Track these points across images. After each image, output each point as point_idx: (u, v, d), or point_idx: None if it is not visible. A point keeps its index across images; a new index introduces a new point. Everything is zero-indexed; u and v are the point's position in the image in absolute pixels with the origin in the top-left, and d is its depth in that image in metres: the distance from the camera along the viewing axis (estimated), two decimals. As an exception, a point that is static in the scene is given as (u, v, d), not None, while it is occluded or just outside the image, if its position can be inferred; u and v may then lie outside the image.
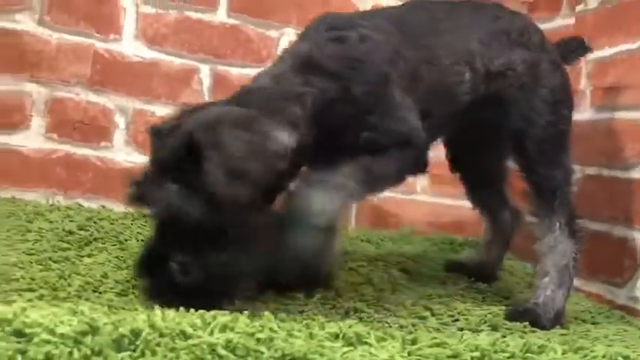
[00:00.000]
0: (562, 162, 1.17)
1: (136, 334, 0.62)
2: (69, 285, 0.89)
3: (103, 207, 1.56)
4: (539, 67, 1.17)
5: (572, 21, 1.61)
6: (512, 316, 1.08)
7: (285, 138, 0.87)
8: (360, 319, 0.93)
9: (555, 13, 1.68)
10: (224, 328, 0.68)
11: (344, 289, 1.11)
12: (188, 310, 0.74)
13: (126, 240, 1.26)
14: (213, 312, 0.73)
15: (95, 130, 1.60)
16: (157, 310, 0.71)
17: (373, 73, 1.00)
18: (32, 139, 1.55)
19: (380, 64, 1.00)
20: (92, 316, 0.64)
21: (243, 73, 1.68)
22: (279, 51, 1.58)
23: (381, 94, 1.00)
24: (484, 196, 1.36)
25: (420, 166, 1.05)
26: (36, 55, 1.55)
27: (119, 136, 1.62)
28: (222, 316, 0.70)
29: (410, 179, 1.10)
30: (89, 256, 1.11)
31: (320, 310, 0.97)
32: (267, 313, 0.76)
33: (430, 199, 1.83)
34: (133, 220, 1.47)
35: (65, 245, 1.14)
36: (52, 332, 0.60)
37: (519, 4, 1.75)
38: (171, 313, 0.71)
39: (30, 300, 0.82)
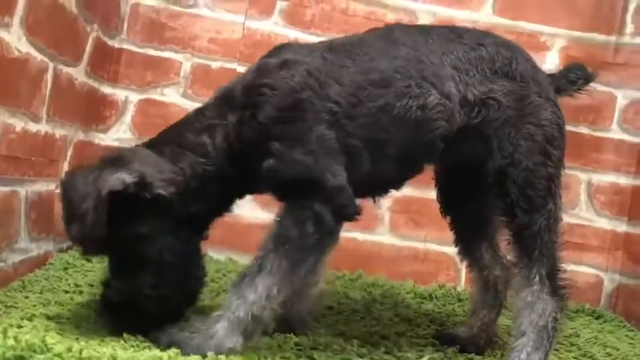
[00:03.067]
0: (546, 208, 1.05)
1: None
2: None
3: (230, 259, 1.72)
4: (526, 100, 1.07)
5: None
6: None
7: (122, 176, 0.91)
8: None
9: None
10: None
11: (452, 353, 1.15)
12: None
13: (251, 292, 1.39)
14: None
15: (226, 189, 1.77)
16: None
17: (283, 98, 0.97)
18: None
19: (295, 89, 0.97)
20: (230, 365, 0.75)
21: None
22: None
23: (291, 120, 0.97)
24: (475, 248, 1.23)
25: (342, 217, 0.97)
26: (179, 123, 1.77)
27: (246, 195, 1.78)
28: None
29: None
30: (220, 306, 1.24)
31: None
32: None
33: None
34: (256, 274, 1.60)
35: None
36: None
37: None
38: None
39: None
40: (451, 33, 1.12)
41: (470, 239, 1.24)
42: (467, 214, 1.23)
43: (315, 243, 0.95)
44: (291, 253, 0.93)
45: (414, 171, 1.12)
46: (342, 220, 0.98)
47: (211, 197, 1.01)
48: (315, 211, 0.94)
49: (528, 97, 1.08)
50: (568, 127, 1.78)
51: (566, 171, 1.80)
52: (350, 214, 0.98)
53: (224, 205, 1.06)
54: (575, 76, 1.19)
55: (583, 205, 1.84)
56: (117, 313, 0.97)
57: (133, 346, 0.86)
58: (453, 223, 1.25)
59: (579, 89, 1.20)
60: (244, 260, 1.72)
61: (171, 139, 1.02)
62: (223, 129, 1.00)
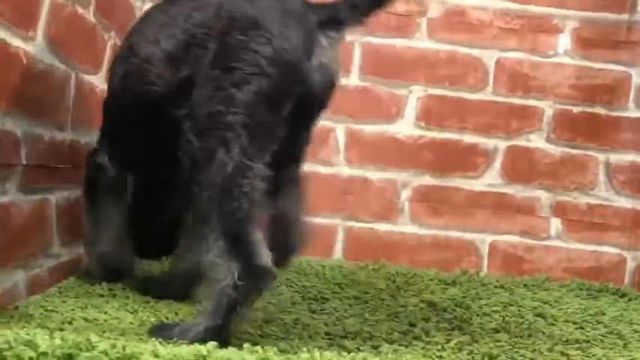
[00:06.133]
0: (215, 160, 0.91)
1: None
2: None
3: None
4: (225, 40, 0.93)
5: None
6: None
7: None
8: (496, 366, 0.99)
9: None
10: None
11: (479, 335, 1.17)
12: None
13: (277, 286, 1.42)
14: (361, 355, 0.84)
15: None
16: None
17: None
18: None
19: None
20: (267, 354, 0.78)
21: (375, 129, 1.81)
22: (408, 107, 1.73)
23: None
24: None
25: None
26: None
27: (267, 192, 1.81)
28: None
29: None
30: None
31: (457, 355, 1.04)
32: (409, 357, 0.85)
33: (565, 244, 1.83)
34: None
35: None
36: (237, 367, 0.74)
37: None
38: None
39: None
40: None
41: None
42: None
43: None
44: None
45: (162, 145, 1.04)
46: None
47: None
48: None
49: (228, 35, 0.93)
50: (583, 108, 1.83)
51: (583, 152, 1.83)
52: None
53: None
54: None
55: (602, 186, 1.84)
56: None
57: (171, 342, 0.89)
58: None
59: (366, 14, 0.98)
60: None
61: None
62: None
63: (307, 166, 1.83)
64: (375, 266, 1.70)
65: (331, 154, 1.82)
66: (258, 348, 0.82)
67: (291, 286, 1.43)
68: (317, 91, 0.98)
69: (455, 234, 1.82)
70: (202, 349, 0.78)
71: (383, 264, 1.72)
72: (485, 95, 1.83)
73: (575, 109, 1.84)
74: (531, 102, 1.83)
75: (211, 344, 0.81)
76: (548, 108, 1.83)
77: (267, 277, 0.91)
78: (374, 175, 1.82)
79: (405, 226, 1.82)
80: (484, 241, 1.82)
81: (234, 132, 0.89)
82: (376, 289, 1.48)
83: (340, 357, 0.82)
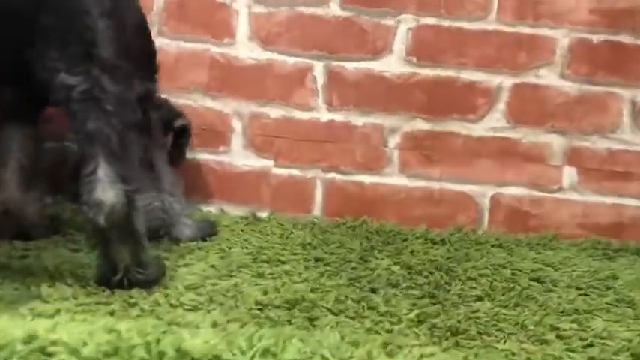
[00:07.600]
0: None
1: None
2: (143, 298, 0.86)
3: (222, 210, 1.57)
4: None
5: None
6: None
7: None
8: (457, 343, 0.78)
9: None
10: (265, 353, 0.58)
11: (453, 305, 0.96)
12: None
13: (229, 247, 1.23)
14: (260, 333, 0.63)
15: (213, 135, 1.60)
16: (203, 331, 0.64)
17: None
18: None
19: None
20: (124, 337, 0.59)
21: (359, 67, 1.58)
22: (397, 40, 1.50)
23: None
24: None
25: None
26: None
27: (236, 141, 1.61)
28: (268, 339, 0.61)
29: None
30: (186, 265, 1.08)
31: (413, 330, 0.84)
32: (319, 337, 0.65)
33: (581, 197, 1.58)
34: (245, 225, 1.44)
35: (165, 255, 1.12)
36: (75, 352, 0.55)
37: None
38: (208, 331, 0.63)
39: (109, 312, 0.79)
40: None
41: None
42: None
43: None
44: None
45: None
46: None
47: None
48: None
49: None
50: (605, 37, 1.55)
51: (605, 88, 1.57)
52: None
53: None
54: None
55: (626, 128, 1.57)
56: None
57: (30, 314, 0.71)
58: None
59: None
60: (237, 212, 1.57)
61: None
62: None
63: (280, 111, 1.66)
64: (354, 223, 1.49)
65: (308, 96, 1.59)
66: (122, 326, 0.63)
67: (245, 247, 1.24)
68: None
69: (450, 186, 1.59)
70: (39, 326, 0.59)
71: (364, 220, 1.51)
72: (488, 24, 1.57)
73: (595, 38, 1.56)
74: (542, 31, 1.56)
75: (59, 319, 0.62)
76: (562, 37, 1.56)
77: None
78: (358, 119, 1.59)
79: (393, 178, 1.60)
80: (484, 194, 1.59)
81: None
82: (347, 249, 1.28)
83: (221, 333, 0.62)
